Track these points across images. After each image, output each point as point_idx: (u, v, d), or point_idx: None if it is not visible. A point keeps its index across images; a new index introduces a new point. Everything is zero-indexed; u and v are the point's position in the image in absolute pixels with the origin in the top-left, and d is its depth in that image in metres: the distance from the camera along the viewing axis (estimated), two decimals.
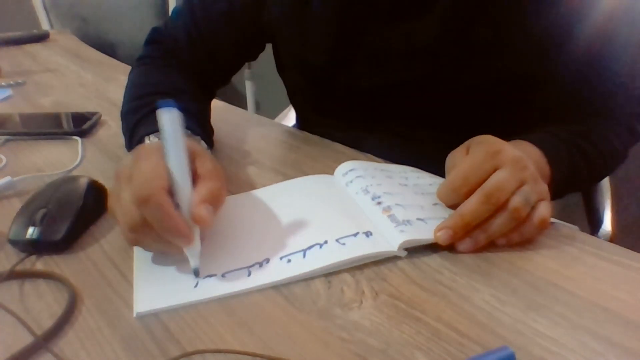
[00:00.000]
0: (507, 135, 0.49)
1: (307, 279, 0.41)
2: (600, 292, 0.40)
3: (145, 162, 0.40)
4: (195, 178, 0.42)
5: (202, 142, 0.56)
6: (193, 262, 0.41)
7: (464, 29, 0.59)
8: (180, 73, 0.69)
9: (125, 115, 0.63)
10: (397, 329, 0.36)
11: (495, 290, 0.40)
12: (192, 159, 0.43)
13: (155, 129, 0.54)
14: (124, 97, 0.67)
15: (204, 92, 0.70)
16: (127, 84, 0.69)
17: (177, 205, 0.40)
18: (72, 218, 0.47)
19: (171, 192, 0.40)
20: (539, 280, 0.41)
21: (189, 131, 0.54)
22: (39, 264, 0.45)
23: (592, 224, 0.90)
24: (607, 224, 0.88)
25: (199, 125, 0.59)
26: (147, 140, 0.53)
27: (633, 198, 1.52)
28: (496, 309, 0.38)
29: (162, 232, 0.39)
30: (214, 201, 0.41)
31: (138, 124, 0.58)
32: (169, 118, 0.40)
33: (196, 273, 0.41)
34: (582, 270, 0.42)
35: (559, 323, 0.37)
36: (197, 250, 0.41)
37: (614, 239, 0.86)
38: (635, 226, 1.52)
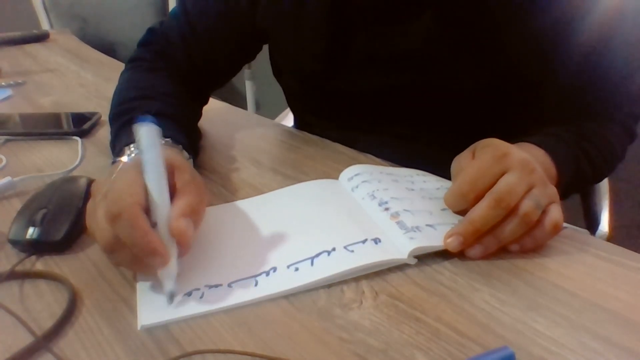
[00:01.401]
0: (505, 137, 0.49)
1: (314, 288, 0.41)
2: (600, 292, 0.40)
3: (121, 178, 0.40)
4: (173, 191, 0.41)
5: (184, 152, 0.53)
6: (167, 285, 0.38)
7: (455, 32, 0.59)
8: (170, 76, 0.68)
9: (111, 121, 0.62)
10: (397, 329, 0.36)
11: (495, 290, 0.40)
12: (171, 171, 0.42)
13: (133, 140, 0.50)
14: (112, 101, 0.65)
15: (194, 96, 0.69)
16: (115, 87, 0.68)
17: (154, 224, 0.39)
18: (72, 218, 0.47)
19: (148, 209, 0.39)
20: (539, 280, 0.41)
21: (170, 140, 0.52)
22: (39, 264, 0.45)
23: (590, 225, 0.90)
24: (604, 225, 0.88)
25: (182, 132, 0.57)
26: (127, 151, 0.50)
27: (630, 199, 1.52)
28: (496, 309, 0.38)
29: (135, 251, 0.37)
30: (193, 215, 0.40)
31: (119, 132, 0.57)
32: (146, 133, 0.39)
33: (170, 297, 0.38)
34: (582, 270, 0.42)
35: (559, 323, 0.37)
36: (173, 272, 0.39)
37: (610, 239, 0.86)
38: (633, 227, 1.52)
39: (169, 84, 0.66)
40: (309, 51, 0.67)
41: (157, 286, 0.41)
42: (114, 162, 0.50)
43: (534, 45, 0.57)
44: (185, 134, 0.57)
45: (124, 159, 0.48)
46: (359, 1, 0.62)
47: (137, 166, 0.41)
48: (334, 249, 0.43)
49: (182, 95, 0.66)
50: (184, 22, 0.70)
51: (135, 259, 0.38)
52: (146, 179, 0.39)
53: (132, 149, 0.49)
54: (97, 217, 0.39)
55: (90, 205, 0.42)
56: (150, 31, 0.74)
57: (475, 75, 0.60)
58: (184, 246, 0.40)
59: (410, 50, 0.61)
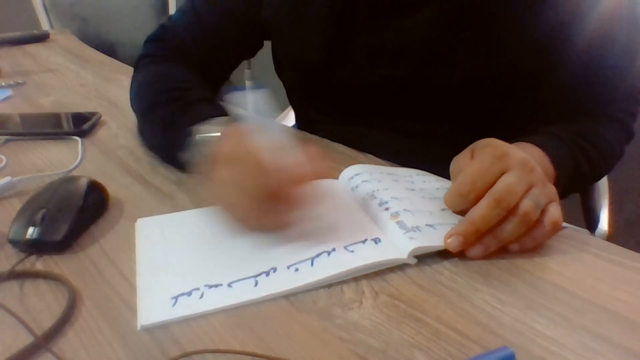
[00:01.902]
0: (503, 134, 0.49)
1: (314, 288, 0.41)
2: (600, 292, 0.40)
3: (256, 142, 0.43)
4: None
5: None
6: (311, 226, 0.46)
7: (456, 25, 0.59)
8: (191, 70, 0.69)
9: (151, 108, 0.63)
10: (397, 329, 0.36)
11: (495, 290, 0.40)
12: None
13: (201, 119, 0.53)
14: (141, 91, 0.67)
15: (213, 90, 0.71)
16: (141, 79, 0.70)
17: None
18: (72, 218, 0.47)
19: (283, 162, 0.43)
20: (538, 280, 0.41)
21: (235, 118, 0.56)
22: (39, 264, 0.45)
23: (589, 224, 0.90)
24: (603, 224, 0.88)
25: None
26: (204, 130, 0.52)
27: (630, 198, 1.52)
28: (496, 309, 0.38)
29: (288, 200, 0.42)
30: (319, 157, 0.45)
31: (178, 113, 0.58)
32: (264, 98, 0.44)
33: (311, 235, 0.45)
34: (582, 270, 0.42)
35: (559, 323, 0.37)
36: (312, 214, 0.45)
37: (610, 238, 0.86)
38: (632, 226, 1.52)
39: (196, 76, 0.68)
40: (311, 43, 0.67)
41: (156, 286, 0.41)
42: (177, 144, 0.54)
43: (533, 41, 0.57)
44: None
45: (208, 137, 0.51)
46: None
47: (259, 129, 0.44)
48: (334, 250, 0.43)
49: (208, 87, 0.68)
50: (194, 18, 0.71)
51: (284, 209, 0.44)
52: (273, 138, 0.44)
53: (216, 121, 0.53)
54: (244, 180, 0.43)
55: (223, 174, 0.44)
56: (162, 28, 0.75)
57: (474, 69, 0.60)
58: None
59: (411, 43, 0.61)
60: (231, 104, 0.46)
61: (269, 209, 0.43)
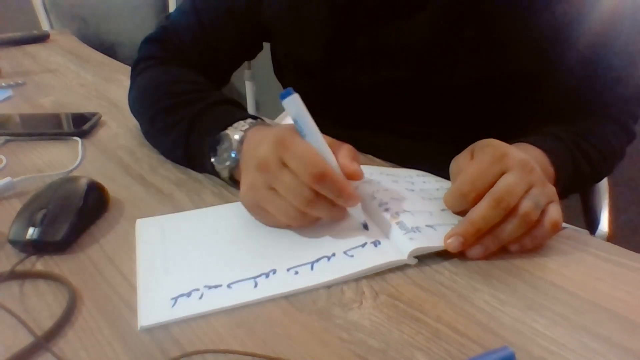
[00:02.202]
0: (504, 135, 0.49)
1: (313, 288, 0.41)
2: (600, 292, 0.40)
3: (297, 146, 0.43)
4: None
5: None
6: (361, 218, 0.46)
7: (456, 27, 0.59)
8: (192, 71, 0.69)
9: (165, 112, 0.62)
10: (397, 329, 0.36)
11: (495, 290, 0.40)
12: None
13: (228, 123, 0.54)
14: (148, 96, 0.66)
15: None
16: (145, 82, 0.69)
17: None
18: (72, 218, 0.47)
19: None
20: (538, 280, 0.41)
21: (257, 119, 0.56)
22: (39, 264, 0.45)
23: (589, 225, 0.90)
24: (604, 225, 0.88)
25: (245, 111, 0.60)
26: (230, 134, 0.53)
27: (630, 199, 1.52)
28: (496, 309, 0.38)
29: (337, 200, 0.43)
30: (356, 158, 0.46)
31: (200, 116, 0.58)
32: (297, 101, 0.44)
33: (365, 227, 0.46)
34: (582, 270, 0.42)
35: (559, 323, 0.37)
36: (360, 206, 0.46)
37: (611, 239, 0.86)
38: (633, 227, 1.52)
39: (203, 78, 0.68)
40: (311, 44, 0.67)
41: (156, 287, 0.41)
42: (204, 149, 0.55)
43: (534, 41, 0.57)
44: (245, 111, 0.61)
45: (235, 140, 0.52)
46: None
47: (295, 132, 0.45)
48: (333, 255, 0.44)
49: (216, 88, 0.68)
50: (194, 19, 0.71)
51: (333, 207, 0.44)
52: (311, 141, 0.44)
53: (241, 124, 0.54)
54: (287, 184, 0.43)
55: (256, 180, 0.45)
56: (161, 28, 0.74)
57: (475, 70, 0.60)
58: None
59: (412, 44, 0.61)
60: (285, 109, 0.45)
61: (318, 205, 0.43)
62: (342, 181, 0.43)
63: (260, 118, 0.57)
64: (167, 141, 0.63)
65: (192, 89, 0.64)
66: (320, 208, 0.44)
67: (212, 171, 0.56)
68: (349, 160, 0.45)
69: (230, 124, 0.54)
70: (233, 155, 0.52)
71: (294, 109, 0.44)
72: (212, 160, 0.55)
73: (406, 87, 0.64)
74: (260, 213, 0.47)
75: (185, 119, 0.59)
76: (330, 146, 0.45)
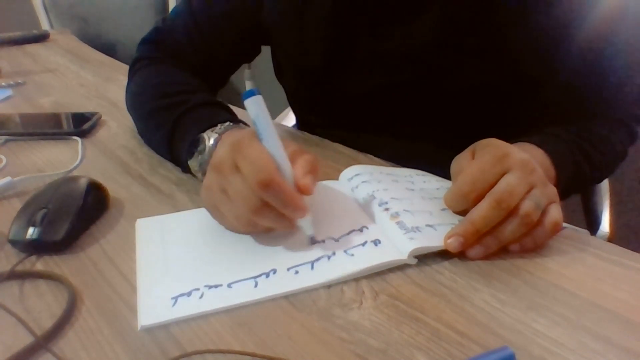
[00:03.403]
0: (506, 136, 0.49)
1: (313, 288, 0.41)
2: (600, 292, 0.40)
3: (250, 149, 0.42)
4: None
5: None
6: (309, 231, 0.45)
7: (458, 31, 0.59)
8: (189, 73, 0.69)
9: (154, 113, 0.63)
10: (397, 329, 0.36)
11: (495, 290, 0.40)
12: None
13: (207, 126, 0.54)
14: (139, 96, 0.67)
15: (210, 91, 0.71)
16: (137, 83, 0.69)
17: None
18: (72, 218, 0.47)
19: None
20: (539, 280, 0.41)
21: (240, 123, 0.56)
22: (39, 264, 0.45)
23: (590, 226, 0.90)
24: (605, 225, 0.88)
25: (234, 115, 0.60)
26: (205, 137, 0.53)
27: (631, 200, 1.52)
28: (496, 309, 0.38)
29: (284, 210, 0.42)
30: (313, 171, 0.44)
31: (179, 121, 0.58)
32: (259, 103, 0.43)
33: (312, 240, 0.45)
34: (582, 270, 0.42)
35: (559, 323, 0.37)
36: (310, 218, 0.44)
37: (611, 240, 0.86)
38: (633, 228, 1.52)
39: (196, 79, 0.68)
40: (312, 49, 0.67)
41: (156, 287, 0.41)
42: (186, 151, 0.55)
43: (536, 45, 0.57)
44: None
45: (210, 142, 0.53)
46: (363, 1, 0.62)
47: (253, 136, 0.43)
48: (334, 254, 0.44)
49: (208, 90, 0.68)
50: (190, 21, 0.70)
51: (280, 217, 0.42)
52: (267, 146, 0.43)
53: (210, 134, 0.54)
54: (235, 189, 0.42)
55: (212, 181, 0.44)
56: (157, 30, 0.74)
57: (476, 74, 0.60)
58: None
59: (413, 49, 0.61)
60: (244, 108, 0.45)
61: (265, 213, 0.42)
62: (290, 191, 0.41)
63: (242, 122, 0.57)
64: (154, 141, 0.64)
65: (180, 90, 0.64)
66: (267, 217, 0.42)
67: (191, 173, 0.57)
68: (304, 172, 0.43)
69: (209, 127, 0.54)
70: (206, 157, 0.53)
71: (253, 110, 0.43)
72: (188, 162, 0.55)
73: (407, 90, 0.64)
74: (217, 215, 0.46)
75: (169, 120, 0.59)
76: (292, 154, 0.44)
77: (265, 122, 0.43)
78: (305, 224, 0.44)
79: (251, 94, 0.43)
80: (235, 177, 0.42)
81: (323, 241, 0.45)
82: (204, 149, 0.53)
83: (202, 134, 0.54)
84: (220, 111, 0.59)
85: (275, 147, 0.43)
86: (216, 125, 0.54)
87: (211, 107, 0.60)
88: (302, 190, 0.43)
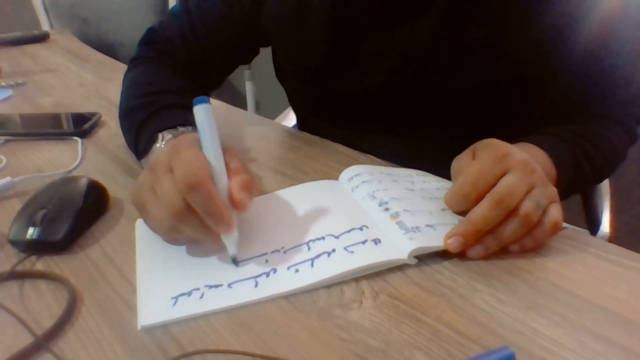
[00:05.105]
0: (506, 136, 0.49)
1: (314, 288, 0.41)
2: (600, 292, 0.40)
3: (187, 152, 0.41)
4: (227, 170, 0.44)
5: None
6: (232, 250, 0.42)
7: (458, 30, 0.59)
8: (177, 73, 0.69)
9: (127, 113, 0.63)
10: (397, 329, 0.36)
11: (495, 290, 0.40)
12: (223, 152, 0.45)
13: (166, 126, 0.55)
14: (123, 95, 0.67)
15: (200, 93, 0.71)
16: (125, 83, 0.70)
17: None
18: (72, 218, 0.47)
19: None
20: (539, 280, 0.41)
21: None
22: (39, 264, 0.45)
23: (590, 226, 0.90)
24: (605, 225, 0.88)
25: None
26: (159, 137, 0.54)
27: (631, 200, 1.52)
28: (496, 309, 0.38)
29: (207, 218, 0.40)
30: (249, 190, 0.43)
31: (146, 121, 0.58)
32: (204, 112, 0.43)
33: (235, 261, 0.42)
34: (582, 270, 0.42)
35: (559, 323, 0.37)
36: (236, 238, 0.42)
37: (611, 240, 0.86)
38: (633, 228, 1.52)
39: (181, 80, 0.68)
40: (313, 49, 0.67)
41: (156, 286, 0.41)
42: (141, 150, 0.55)
43: (536, 45, 0.57)
44: None
45: (157, 145, 0.53)
46: (364, 0, 0.62)
47: (196, 142, 0.43)
48: (334, 250, 0.43)
49: (194, 91, 0.67)
50: (186, 22, 0.70)
51: (202, 226, 0.41)
52: (208, 154, 0.42)
53: (166, 135, 0.54)
54: (162, 189, 0.41)
55: (147, 179, 0.43)
56: (152, 30, 0.74)
57: (477, 74, 0.60)
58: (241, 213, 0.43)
59: (414, 49, 0.61)
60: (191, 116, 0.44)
61: (187, 220, 0.40)
62: (217, 199, 0.40)
63: None
64: (127, 140, 0.64)
65: (155, 90, 0.64)
66: (188, 223, 0.40)
67: None
68: (239, 188, 0.42)
69: (169, 127, 0.55)
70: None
71: (199, 118, 0.43)
72: (142, 160, 0.56)
73: (407, 90, 0.64)
74: (144, 214, 0.44)
75: (138, 119, 0.59)
76: (233, 170, 0.43)
77: (210, 131, 0.43)
78: (230, 242, 0.42)
79: (201, 101, 0.43)
80: (166, 177, 0.41)
81: (323, 238, 0.45)
82: (156, 148, 0.54)
83: (159, 133, 0.55)
84: (187, 114, 0.59)
85: (214, 157, 0.42)
86: (176, 128, 0.55)
87: (176, 110, 0.60)
88: (236, 205, 0.42)
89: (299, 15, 0.66)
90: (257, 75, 2.25)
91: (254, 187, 0.44)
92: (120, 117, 0.66)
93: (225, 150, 0.45)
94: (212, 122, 0.43)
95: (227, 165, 0.44)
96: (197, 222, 0.40)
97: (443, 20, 0.59)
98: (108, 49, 1.34)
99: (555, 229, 0.44)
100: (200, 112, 0.43)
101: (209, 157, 0.42)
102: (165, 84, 0.66)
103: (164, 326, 0.37)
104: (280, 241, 0.46)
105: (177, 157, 0.41)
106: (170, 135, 0.54)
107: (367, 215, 0.48)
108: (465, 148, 0.50)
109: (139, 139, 0.58)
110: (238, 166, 0.44)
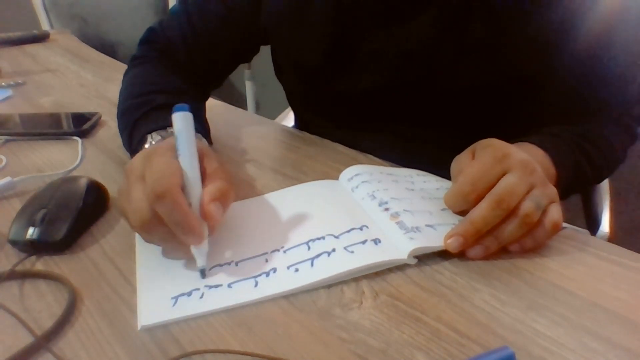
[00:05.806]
0: (505, 136, 0.49)
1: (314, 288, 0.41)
2: (600, 292, 0.40)
3: (159, 160, 0.41)
4: (203, 177, 0.43)
5: (204, 140, 0.57)
6: (200, 262, 0.41)
7: (458, 29, 0.59)
8: (175, 73, 0.69)
9: (123, 113, 0.63)
10: (397, 329, 0.36)
11: (495, 290, 0.40)
12: (200, 158, 0.44)
13: (156, 127, 0.55)
14: (120, 95, 0.67)
15: (197, 92, 0.71)
16: (123, 83, 0.70)
17: (188, 204, 0.41)
18: (72, 218, 0.47)
19: (183, 190, 0.41)
20: (539, 280, 0.41)
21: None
22: (39, 264, 0.45)
23: (590, 226, 0.90)
24: (605, 225, 0.88)
25: (199, 123, 0.60)
26: (149, 138, 0.54)
27: (631, 200, 1.52)
28: (496, 309, 0.38)
29: (174, 229, 0.39)
30: (223, 199, 0.42)
31: (138, 122, 0.59)
32: (183, 119, 0.42)
33: (202, 274, 0.41)
34: (582, 270, 0.42)
35: (559, 323, 0.37)
36: (205, 250, 0.41)
37: (611, 240, 0.86)
38: (633, 228, 1.52)
39: (179, 80, 0.68)
40: (312, 49, 0.67)
41: (156, 286, 0.41)
42: (133, 150, 0.55)
43: (535, 44, 0.57)
44: (202, 124, 0.61)
45: (147, 146, 0.52)
46: (364, 0, 0.62)
47: (171, 149, 0.43)
48: (334, 250, 0.43)
49: (192, 91, 0.68)
50: (185, 22, 0.70)
51: (170, 236, 0.40)
52: (182, 163, 0.42)
53: (154, 136, 0.54)
54: (133, 197, 0.40)
55: (123, 186, 0.43)
56: (151, 30, 0.74)
57: (476, 74, 0.60)
58: (212, 228, 0.42)
59: (414, 48, 0.61)
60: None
61: (156, 230, 0.40)
62: (185, 210, 0.39)
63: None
64: (123, 140, 0.64)
65: (150, 90, 0.64)
66: (155, 233, 0.40)
67: None
68: (210, 198, 0.41)
69: (159, 129, 0.55)
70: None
71: (177, 126, 0.43)
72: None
73: (407, 90, 0.64)
74: (126, 218, 0.43)
75: (131, 120, 0.59)
76: (209, 175, 0.43)
77: (187, 139, 0.42)
78: (198, 253, 0.41)
79: (181, 109, 0.43)
80: (137, 185, 0.41)
81: (323, 238, 0.45)
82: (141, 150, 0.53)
83: (147, 134, 0.54)
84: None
85: (189, 166, 0.42)
86: (165, 129, 0.55)
87: (168, 111, 0.60)
88: (205, 216, 0.41)
89: (298, 15, 0.66)
90: (257, 74, 2.25)
91: (229, 196, 0.43)
92: (117, 116, 0.66)
93: (204, 154, 0.45)
94: (190, 130, 0.43)
95: (204, 170, 0.43)
96: (165, 232, 0.40)
97: (443, 20, 0.59)
98: (108, 49, 1.34)
99: (555, 229, 0.44)
100: (179, 119, 0.43)
101: (184, 165, 0.42)
102: (162, 84, 0.66)
103: (164, 326, 0.37)
104: (280, 241, 0.46)
105: (150, 165, 0.41)
106: (159, 137, 0.54)
107: (367, 215, 0.48)
108: (465, 148, 0.50)
109: (132, 139, 0.58)
110: (215, 170, 0.43)
